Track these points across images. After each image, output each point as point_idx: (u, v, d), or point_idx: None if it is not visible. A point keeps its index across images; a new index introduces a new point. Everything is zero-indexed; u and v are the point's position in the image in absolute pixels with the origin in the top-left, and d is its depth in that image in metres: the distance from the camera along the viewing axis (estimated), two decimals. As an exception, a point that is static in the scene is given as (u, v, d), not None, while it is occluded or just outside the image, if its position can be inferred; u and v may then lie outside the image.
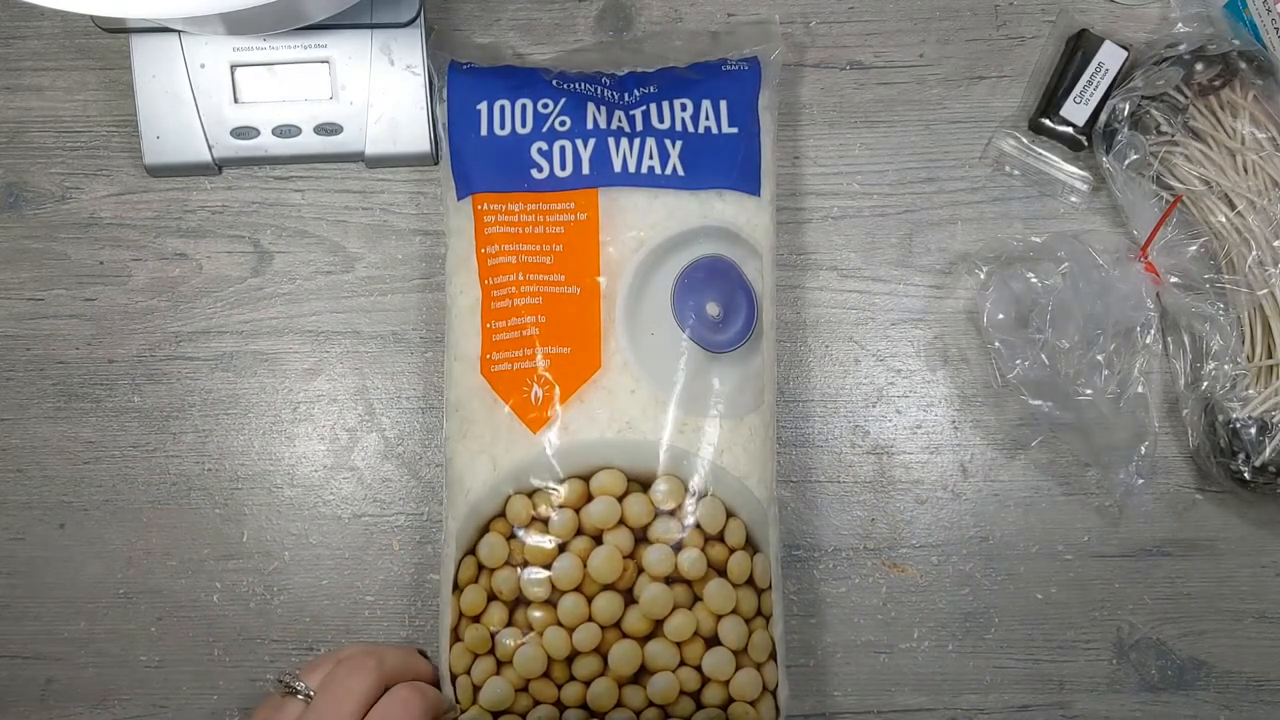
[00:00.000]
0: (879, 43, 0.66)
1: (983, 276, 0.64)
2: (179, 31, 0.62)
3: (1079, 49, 0.64)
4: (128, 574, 0.64)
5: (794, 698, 0.62)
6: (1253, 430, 0.61)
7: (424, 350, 0.65)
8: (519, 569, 0.56)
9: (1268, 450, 0.60)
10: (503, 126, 0.60)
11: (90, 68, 0.66)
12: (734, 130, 0.60)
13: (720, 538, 0.56)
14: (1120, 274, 0.62)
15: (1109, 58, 0.64)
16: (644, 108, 0.60)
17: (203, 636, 0.63)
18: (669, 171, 0.59)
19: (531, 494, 0.56)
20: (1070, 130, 0.64)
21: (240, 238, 0.65)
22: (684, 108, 0.60)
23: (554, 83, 0.61)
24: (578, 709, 0.55)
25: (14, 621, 0.63)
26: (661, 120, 0.60)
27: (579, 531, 0.55)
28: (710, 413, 0.57)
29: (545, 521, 0.56)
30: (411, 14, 0.62)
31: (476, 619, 0.56)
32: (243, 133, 0.63)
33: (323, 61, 0.63)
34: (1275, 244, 0.61)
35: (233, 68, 0.62)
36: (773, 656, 0.58)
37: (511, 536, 0.56)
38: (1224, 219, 0.62)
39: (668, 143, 0.59)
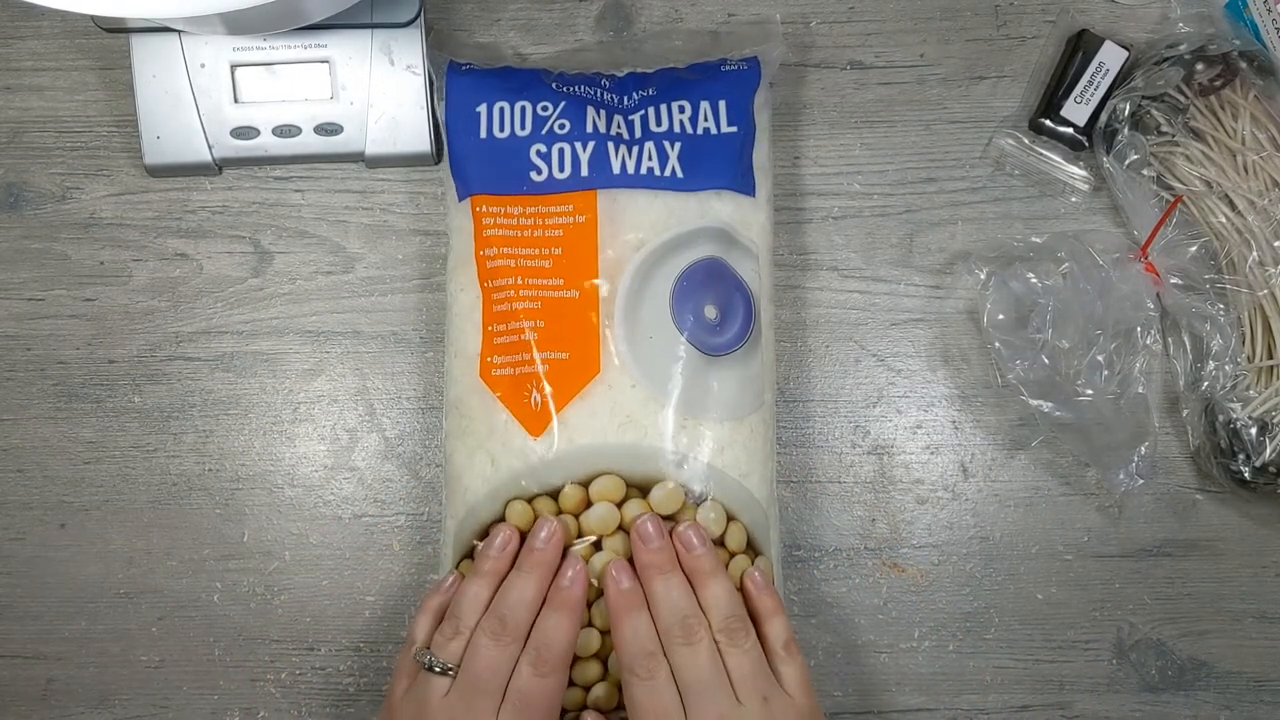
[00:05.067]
0: (879, 43, 0.66)
1: (983, 276, 0.64)
2: (179, 31, 0.62)
3: (1079, 49, 0.64)
4: (128, 574, 0.64)
5: (794, 698, 0.62)
6: (1253, 430, 0.61)
7: (424, 350, 0.65)
8: (519, 571, 0.56)
9: (1268, 451, 0.60)
10: (502, 129, 0.60)
11: (90, 68, 0.66)
12: (733, 130, 0.60)
13: (721, 542, 0.56)
14: (1120, 274, 0.62)
15: (1109, 58, 0.64)
16: (642, 111, 0.60)
17: (203, 636, 0.63)
18: (668, 173, 0.59)
19: (531, 499, 0.56)
20: (1071, 130, 0.64)
21: (240, 238, 0.65)
22: (682, 110, 0.60)
23: (553, 85, 0.61)
24: (578, 712, 0.55)
25: (15, 621, 0.64)
26: (660, 124, 0.60)
27: (578, 536, 0.55)
28: (709, 416, 0.56)
29: (545, 526, 0.56)
30: (411, 14, 0.62)
31: (476, 621, 0.56)
32: (243, 133, 0.63)
33: (323, 61, 0.63)
34: (1275, 244, 0.61)
35: (233, 68, 0.62)
36: (773, 657, 0.58)
37: (511, 539, 0.56)
38: (1224, 219, 0.62)
39: (667, 144, 0.59)
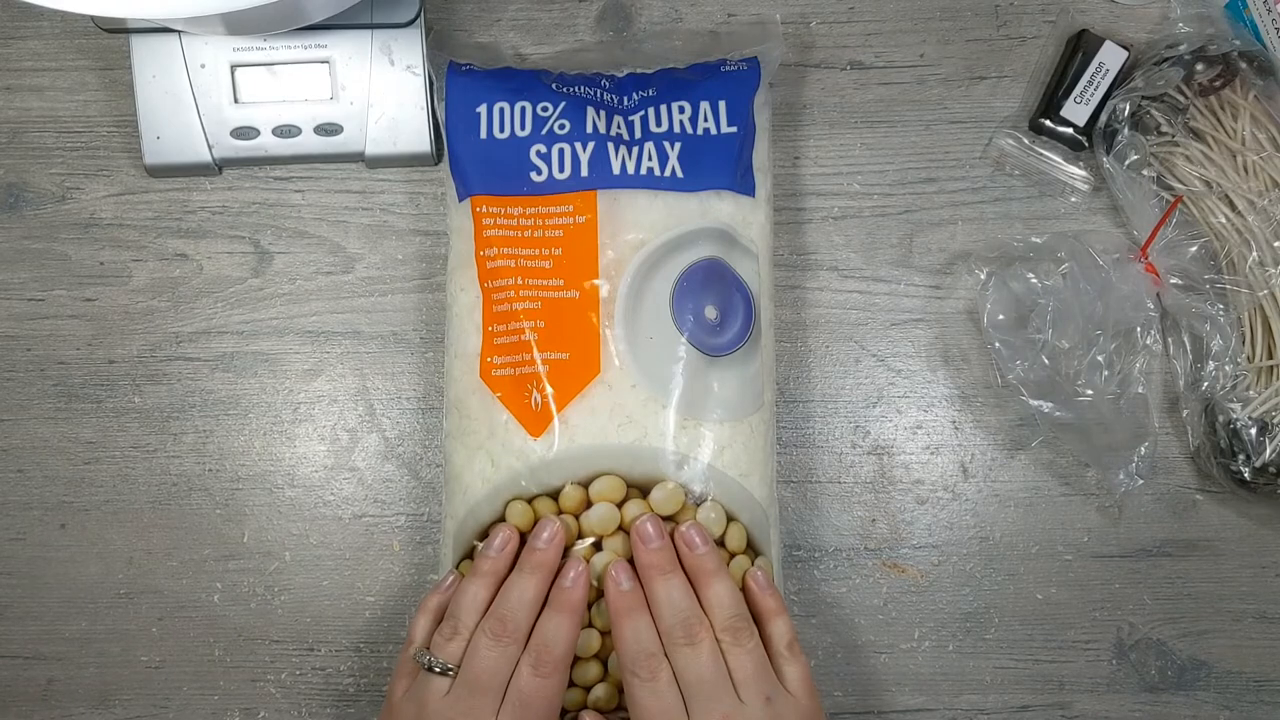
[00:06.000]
0: (879, 43, 0.66)
1: (983, 276, 0.64)
2: (179, 31, 0.62)
3: (1079, 49, 0.64)
4: (128, 574, 0.64)
5: (794, 698, 0.62)
6: (1253, 431, 0.61)
7: (424, 350, 0.65)
8: (518, 572, 0.56)
9: (1268, 451, 0.60)
10: (502, 129, 0.60)
11: (90, 68, 0.66)
12: (733, 130, 0.60)
13: (721, 542, 0.56)
14: (1120, 274, 0.62)
15: (1109, 58, 0.64)
16: (642, 112, 0.60)
17: (203, 637, 0.63)
18: (668, 173, 0.59)
19: (531, 499, 0.56)
20: (1071, 130, 0.64)
21: (240, 238, 0.65)
22: (682, 110, 0.60)
23: (553, 86, 0.61)
24: (577, 712, 0.55)
25: (15, 621, 0.64)
26: (659, 124, 0.60)
27: (579, 537, 0.55)
28: (709, 416, 0.56)
29: (545, 526, 0.56)
30: (411, 14, 0.62)
31: (476, 621, 0.56)
32: (243, 133, 0.63)
33: (323, 61, 0.63)
34: (1275, 244, 0.61)
35: (233, 68, 0.62)
36: (773, 657, 0.57)
37: (511, 539, 0.56)
38: (1224, 219, 0.62)
39: (666, 145, 0.59)
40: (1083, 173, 0.65)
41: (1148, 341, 0.62)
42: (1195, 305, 0.62)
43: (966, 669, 0.64)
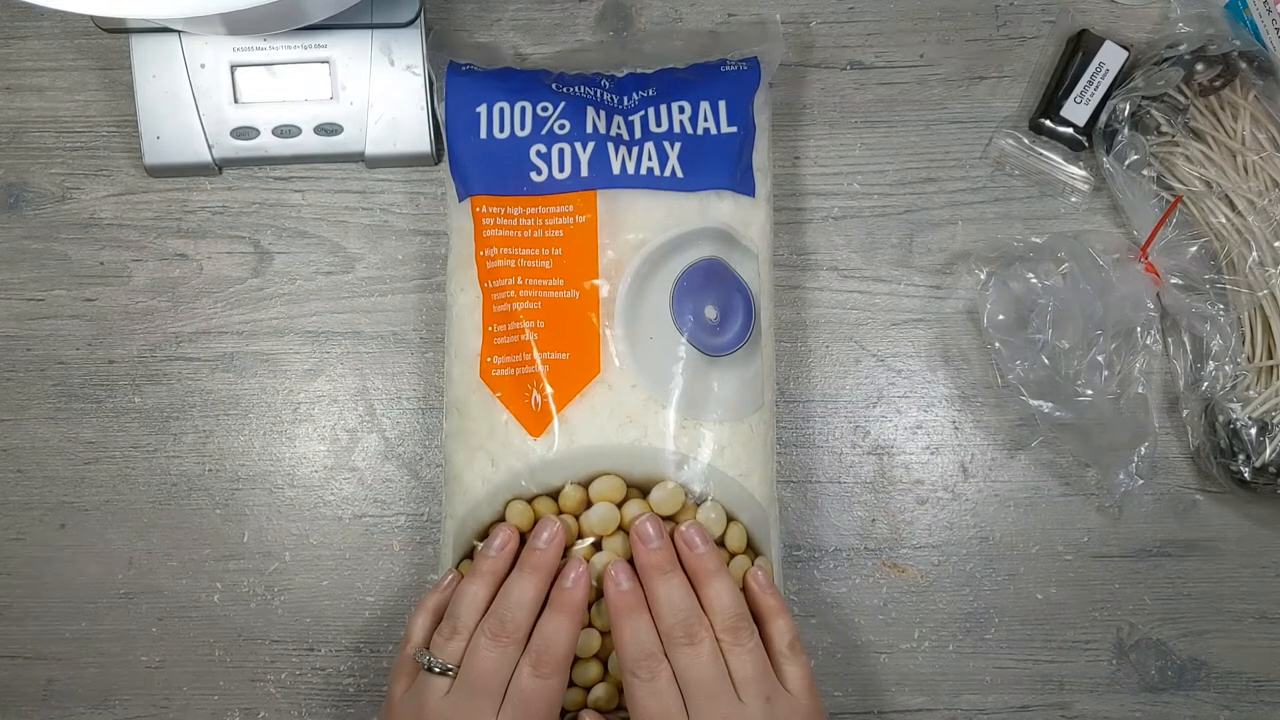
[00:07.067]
0: (880, 43, 0.66)
1: (983, 277, 0.64)
2: (179, 31, 0.62)
3: (1079, 49, 0.64)
4: (128, 574, 0.64)
5: (794, 698, 0.62)
6: (1253, 431, 0.61)
7: (424, 350, 0.65)
8: (518, 572, 0.56)
9: (1268, 451, 0.60)
10: (502, 129, 0.60)
11: (90, 68, 0.66)
12: (733, 130, 0.60)
13: (721, 542, 0.56)
14: (1120, 274, 0.62)
15: (1109, 58, 0.64)
16: (642, 112, 0.60)
17: (203, 637, 0.63)
18: (668, 173, 0.59)
19: (531, 499, 0.56)
20: (1071, 130, 0.64)
21: (240, 238, 0.65)
22: (682, 110, 0.60)
23: (553, 86, 0.61)
24: (577, 712, 0.55)
25: (15, 621, 0.64)
26: (659, 124, 0.60)
27: (579, 537, 0.55)
28: (709, 416, 0.56)
29: (545, 526, 0.56)
30: (411, 14, 0.62)
31: (476, 621, 0.56)
32: (243, 133, 0.63)
33: (323, 62, 0.63)
34: (1275, 244, 0.61)
35: (233, 68, 0.62)
36: (773, 657, 0.57)
37: (510, 539, 0.56)
38: (1224, 219, 0.62)
39: (666, 145, 0.59)
40: (1083, 173, 0.65)
41: (1148, 341, 0.62)
42: (1195, 305, 0.62)
43: (966, 669, 0.64)
